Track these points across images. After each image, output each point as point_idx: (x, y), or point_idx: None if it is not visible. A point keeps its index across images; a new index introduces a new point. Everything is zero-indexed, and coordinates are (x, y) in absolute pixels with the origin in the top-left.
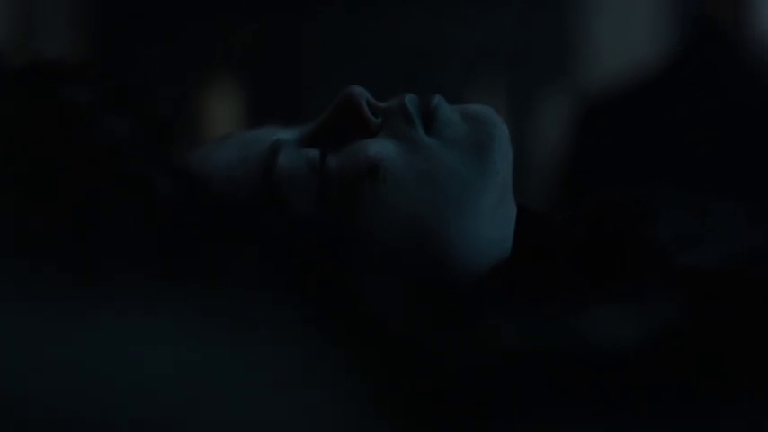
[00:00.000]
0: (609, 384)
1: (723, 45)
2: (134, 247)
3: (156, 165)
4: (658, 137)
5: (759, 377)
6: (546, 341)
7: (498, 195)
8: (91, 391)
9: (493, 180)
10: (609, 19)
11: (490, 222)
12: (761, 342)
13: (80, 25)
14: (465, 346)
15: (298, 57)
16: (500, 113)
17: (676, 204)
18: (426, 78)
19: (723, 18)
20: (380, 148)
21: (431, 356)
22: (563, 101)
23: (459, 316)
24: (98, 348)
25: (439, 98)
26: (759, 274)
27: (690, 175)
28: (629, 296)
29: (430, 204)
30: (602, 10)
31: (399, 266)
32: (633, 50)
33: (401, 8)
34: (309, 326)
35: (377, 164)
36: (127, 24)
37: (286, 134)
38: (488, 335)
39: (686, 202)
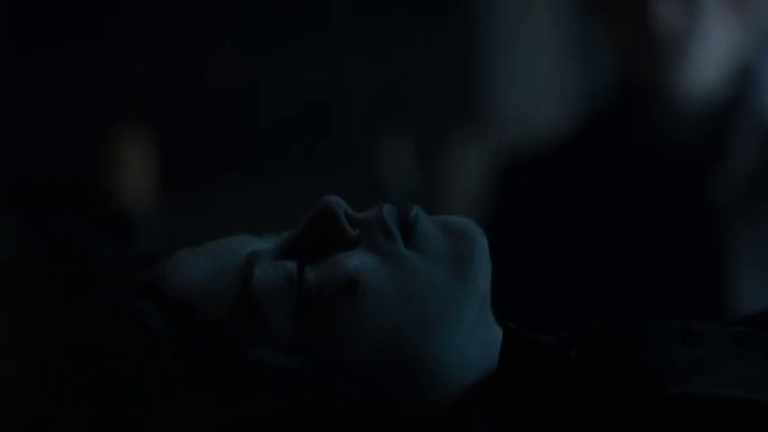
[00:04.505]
0: None
1: (643, 101)
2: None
3: (141, 293)
4: (578, 196)
5: None
6: None
7: (478, 310)
8: None
9: (474, 295)
10: (517, 69)
11: (471, 338)
12: None
13: None
14: None
15: (198, 108)
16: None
17: (666, 330)
18: (331, 131)
19: (642, 73)
20: (360, 262)
21: None
22: (473, 153)
23: None
24: None
25: (417, 209)
26: (751, 405)
27: (612, 235)
28: None
29: (410, 319)
30: (510, 60)
31: (379, 382)
32: (542, 99)
33: (304, 57)
34: None
35: (357, 279)
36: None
37: (261, 245)
38: None
39: (675, 327)
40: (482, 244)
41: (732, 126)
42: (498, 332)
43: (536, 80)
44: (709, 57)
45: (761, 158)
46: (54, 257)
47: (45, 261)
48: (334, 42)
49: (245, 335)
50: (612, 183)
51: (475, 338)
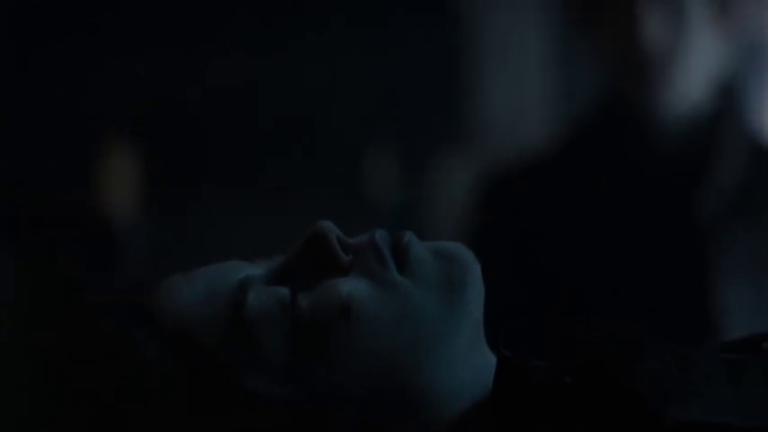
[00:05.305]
0: None
1: (629, 114)
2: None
3: (135, 318)
4: (562, 209)
5: None
6: None
7: (471, 336)
8: None
9: (467, 320)
10: (504, 81)
11: (464, 363)
12: None
13: None
14: None
15: (197, 109)
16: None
17: (663, 355)
18: (319, 143)
19: (629, 86)
20: (353, 287)
21: None
22: (463, 165)
23: None
24: None
25: (410, 235)
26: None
27: (600, 245)
28: None
29: (403, 345)
30: (497, 72)
31: (372, 406)
32: (529, 112)
33: (294, 66)
34: None
35: (350, 304)
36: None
37: (253, 270)
38: None
39: (672, 352)
40: (475, 270)
41: (718, 138)
42: (491, 357)
43: (523, 93)
44: (695, 70)
45: (747, 171)
46: (51, 285)
47: (42, 288)
48: (327, 47)
49: (238, 360)
50: (599, 195)
51: (468, 364)
